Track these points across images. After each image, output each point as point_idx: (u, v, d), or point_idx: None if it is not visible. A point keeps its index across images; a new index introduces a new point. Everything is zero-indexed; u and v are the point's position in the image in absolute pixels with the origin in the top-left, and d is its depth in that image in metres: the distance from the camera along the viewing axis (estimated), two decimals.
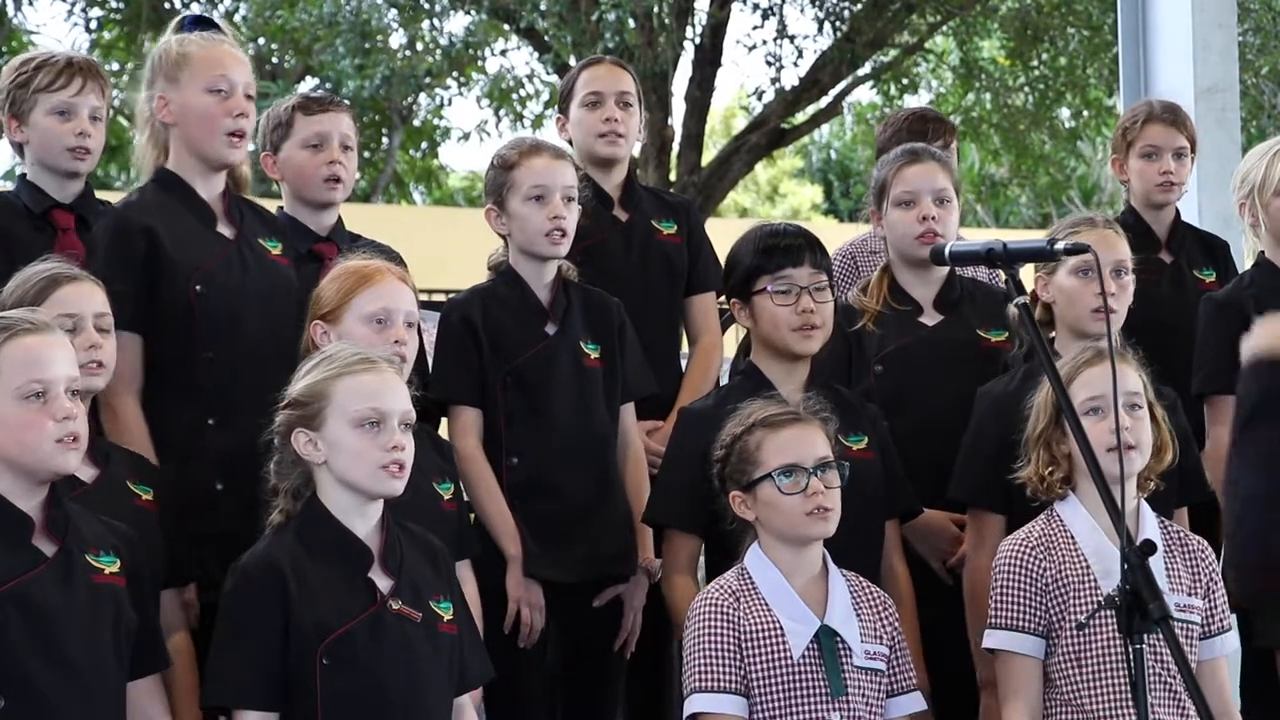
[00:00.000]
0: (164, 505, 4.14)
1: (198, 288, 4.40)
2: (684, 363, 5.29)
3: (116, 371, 4.17)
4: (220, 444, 4.34)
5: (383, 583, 3.79)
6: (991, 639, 4.24)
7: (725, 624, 4.12)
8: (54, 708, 3.51)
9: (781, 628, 4.11)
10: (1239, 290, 5.22)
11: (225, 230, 4.52)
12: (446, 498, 4.35)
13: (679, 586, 4.47)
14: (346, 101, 5.30)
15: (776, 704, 4.07)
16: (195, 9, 20.86)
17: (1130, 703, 4.08)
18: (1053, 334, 4.73)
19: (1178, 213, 5.61)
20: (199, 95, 4.48)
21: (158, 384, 4.39)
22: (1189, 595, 4.26)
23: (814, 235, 4.66)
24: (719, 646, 4.10)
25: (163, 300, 4.38)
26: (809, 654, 4.11)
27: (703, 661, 4.10)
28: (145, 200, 4.51)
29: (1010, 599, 4.22)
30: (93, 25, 20.64)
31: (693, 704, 4.10)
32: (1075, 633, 4.15)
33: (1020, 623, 4.21)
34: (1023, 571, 4.22)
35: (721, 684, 4.08)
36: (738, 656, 4.10)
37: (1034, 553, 4.24)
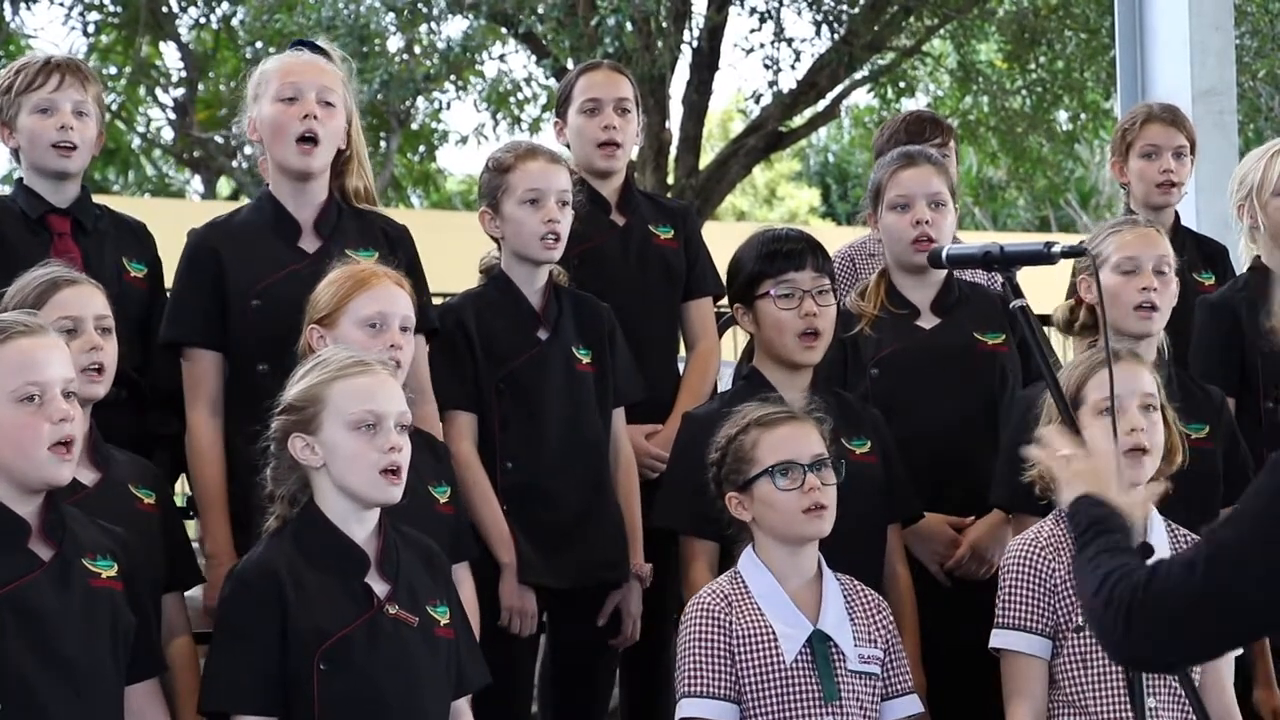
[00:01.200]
0: (165, 508, 4.13)
1: (254, 303, 4.43)
2: (681, 367, 5.29)
3: (192, 387, 4.27)
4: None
5: (380, 587, 3.80)
6: (998, 638, 4.23)
7: (717, 629, 4.11)
8: (51, 712, 3.50)
9: (774, 633, 4.11)
10: (1232, 293, 5.24)
11: (308, 244, 4.53)
12: (443, 501, 4.35)
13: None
14: None
15: (770, 710, 4.07)
16: (193, 13, 20.89)
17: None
18: (1096, 337, 4.74)
19: (1177, 216, 5.62)
20: (270, 105, 4.51)
21: (230, 403, 4.45)
22: None
23: (816, 239, 4.67)
24: (710, 652, 4.10)
25: (229, 318, 4.44)
26: (802, 659, 4.10)
27: (694, 666, 4.10)
28: (226, 222, 4.60)
29: (1018, 599, 4.22)
30: (90, 29, 20.65)
31: (683, 709, 4.10)
32: (1079, 634, 4.15)
33: (1028, 623, 4.20)
34: (1031, 571, 4.22)
35: (712, 690, 4.08)
36: (729, 662, 4.09)
37: (1043, 553, 4.23)
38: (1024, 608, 4.21)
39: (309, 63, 4.58)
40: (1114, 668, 4.13)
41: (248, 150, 19.75)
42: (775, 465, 4.16)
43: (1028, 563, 4.23)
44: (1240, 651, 4.38)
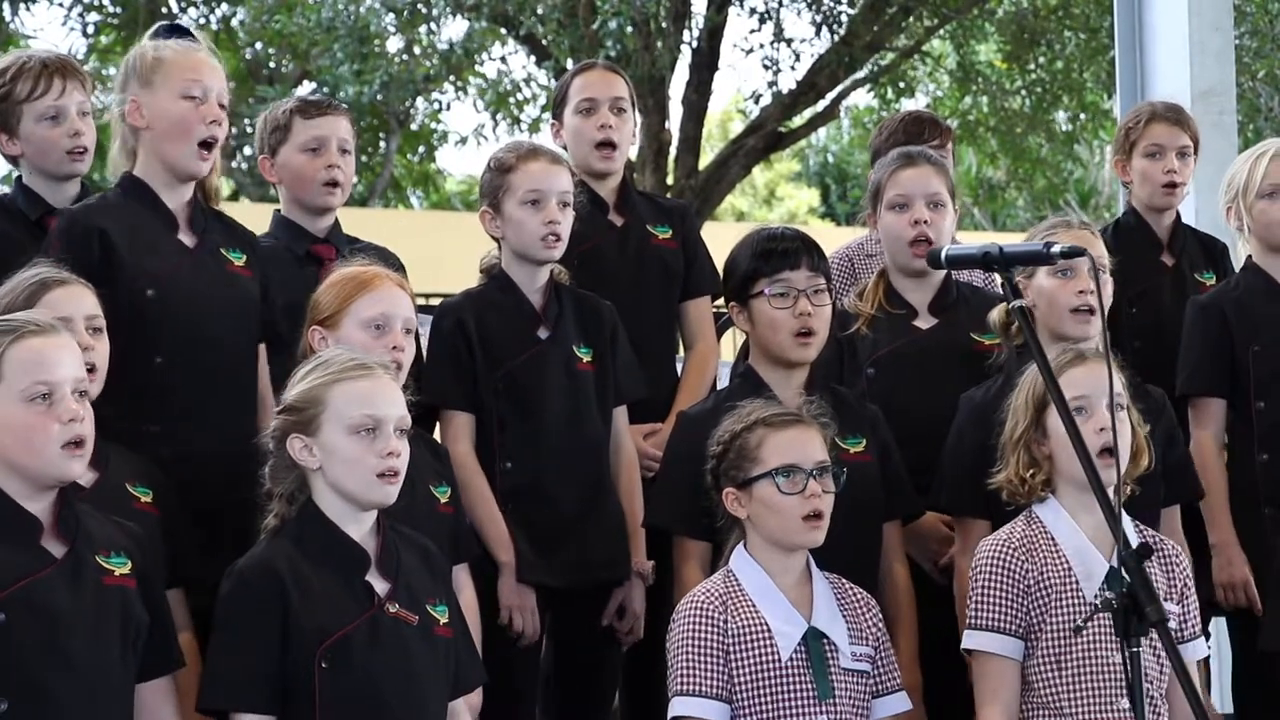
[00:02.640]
0: (164, 507, 4.13)
1: (149, 292, 4.36)
2: (679, 367, 5.29)
3: None
4: (161, 451, 4.27)
5: (379, 586, 3.80)
6: (970, 639, 4.23)
7: (710, 628, 4.11)
8: (60, 709, 3.51)
9: (769, 630, 4.11)
10: (1223, 293, 5.24)
11: (186, 239, 4.47)
12: (443, 501, 4.35)
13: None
14: (345, 105, 5.28)
15: (764, 707, 4.07)
16: (193, 14, 20.89)
17: (1109, 705, 4.09)
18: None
19: (1179, 215, 5.62)
20: (172, 100, 4.42)
21: (113, 385, 4.28)
22: (1164, 600, 4.25)
23: (812, 239, 4.67)
24: (703, 651, 4.10)
25: (114, 303, 4.27)
26: (797, 656, 4.10)
27: (686, 665, 4.10)
28: (104, 204, 4.46)
29: (990, 600, 4.21)
30: (90, 29, 20.65)
31: (675, 707, 4.10)
32: (1057, 635, 4.15)
33: (999, 624, 4.19)
34: (1003, 572, 4.21)
35: (704, 689, 4.08)
36: (722, 661, 4.09)
37: (1015, 554, 4.22)
38: (996, 609, 4.20)
39: (211, 63, 4.49)
40: (1088, 669, 4.13)
41: (247, 151, 19.79)
42: (779, 467, 4.16)
43: (999, 563, 4.22)
44: (1207, 654, 4.40)
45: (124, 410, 4.21)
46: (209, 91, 4.44)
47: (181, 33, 4.60)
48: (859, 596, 4.28)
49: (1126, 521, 4.26)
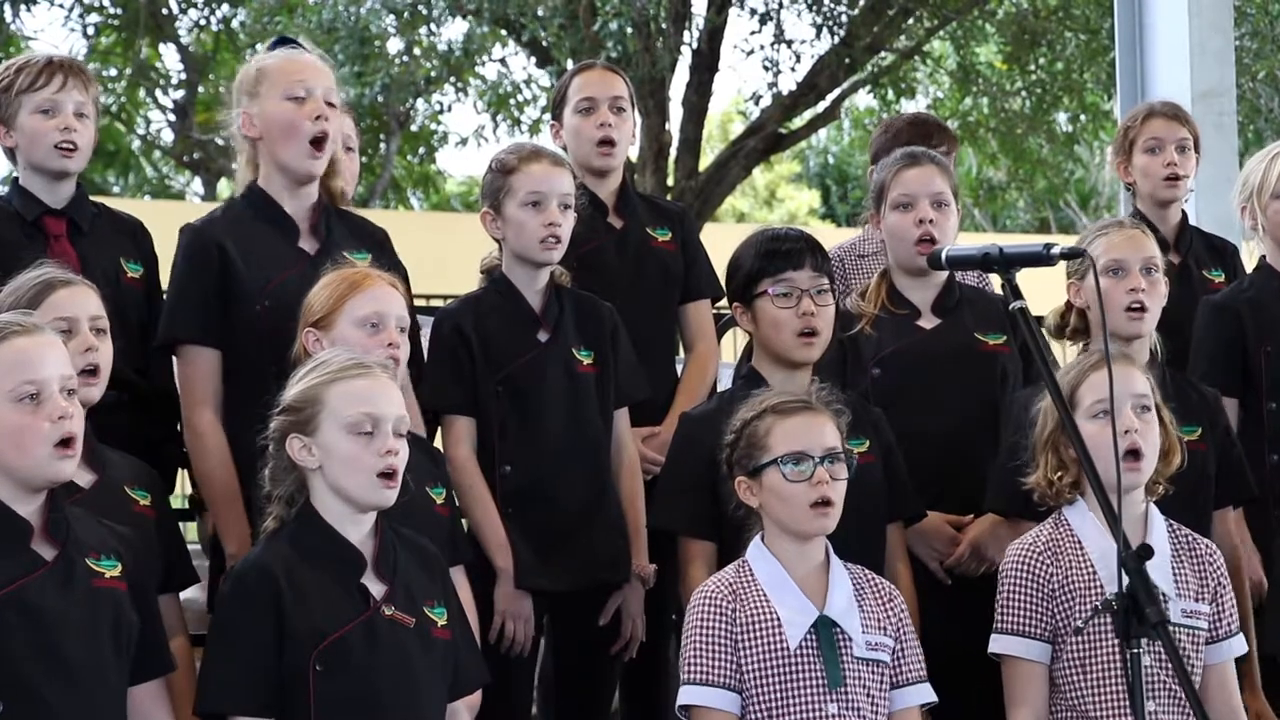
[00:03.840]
0: (161, 510, 4.13)
1: (266, 303, 4.41)
2: (679, 369, 5.28)
3: (193, 387, 4.17)
4: None
5: (376, 588, 3.79)
6: (997, 643, 4.23)
7: (720, 619, 4.10)
8: (53, 712, 3.49)
9: (779, 618, 4.09)
10: (1236, 293, 5.24)
11: (306, 245, 4.52)
12: (439, 502, 4.34)
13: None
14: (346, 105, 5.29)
15: (773, 694, 4.05)
16: (193, 16, 20.89)
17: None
18: (1087, 341, 4.77)
19: (1185, 215, 5.61)
20: (277, 104, 4.49)
21: (235, 400, 4.40)
22: (1196, 600, 4.25)
23: (815, 239, 4.66)
24: (713, 640, 4.09)
25: (235, 316, 4.40)
26: (807, 644, 4.08)
27: (695, 654, 4.09)
28: (224, 216, 4.56)
29: (1017, 603, 4.21)
30: (90, 31, 20.65)
31: (684, 695, 4.09)
32: (1079, 638, 4.15)
33: (1026, 627, 4.20)
34: (1029, 576, 4.22)
35: (713, 678, 4.07)
36: (732, 651, 4.08)
37: (1041, 558, 4.23)
38: (1023, 612, 4.20)
39: (313, 63, 4.57)
40: (1113, 671, 4.13)
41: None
42: (786, 454, 4.15)
43: (1026, 567, 4.23)
44: (1243, 652, 4.39)
45: (244, 424, 4.23)
46: (313, 90, 4.50)
47: (288, 44, 4.68)
48: (883, 588, 4.26)
49: (1158, 521, 4.27)
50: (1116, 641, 4.10)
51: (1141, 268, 4.70)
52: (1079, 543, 4.24)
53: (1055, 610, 4.20)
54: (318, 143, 4.49)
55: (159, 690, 3.79)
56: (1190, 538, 4.35)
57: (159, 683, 3.79)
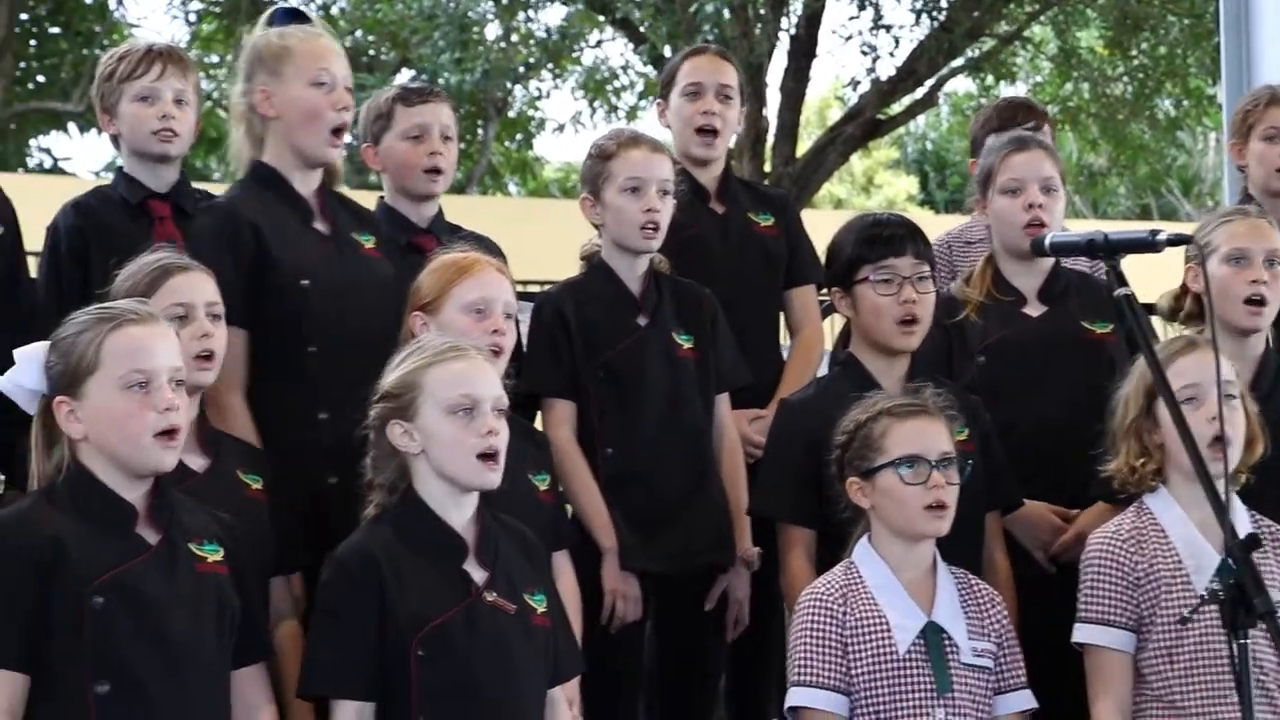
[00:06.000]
0: (272, 494, 4.15)
1: (304, 282, 4.40)
2: (784, 353, 5.27)
3: (224, 371, 4.18)
4: (332, 437, 4.26)
5: (478, 575, 3.80)
6: (1080, 633, 4.19)
7: (830, 620, 4.10)
8: (155, 695, 3.52)
9: (888, 623, 4.08)
10: None
11: (321, 226, 4.52)
12: (543, 489, 4.36)
13: (798, 579, 4.40)
14: (445, 92, 5.30)
15: (882, 700, 4.05)
16: (294, 0, 21.01)
17: (1223, 698, 4.03)
18: (1201, 327, 4.68)
19: None
20: (303, 89, 4.47)
21: (264, 380, 4.38)
22: None
23: (916, 225, 4.63)
24: (822, 642, 4.08)
25: (269, 296, 4.37)
26: (915, 650, 4.08)
27: (805, 656, 4.08)
28: (246, 196, 4.51)
29: (1101, 592, 4.17)
30: (192, 18, 20.83)
31: (793, 696, 4.09)
32: (1168, 628, 4.10)
33: (1111, 616, 4.16)
34: (1114, 565, 4.18)
35: (822, 679, 4.06)
36: (841, 654, 4.08)
37: (1126, 546, 4.19)
38: (1107, 601, 4.16)
39: (335, 48, 4.55)
40: (1202, 661, 4.08)
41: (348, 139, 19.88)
42: (902, 457, 4.14)
43: (1110, 555, 4.19)
44: None
45: (290, 401, 4.28)
46: (337, 78, 4.49)
47: (298, 17, 4.64)
48: (984, 592, 4.24)
49: (1240, 511, 4.22)
50: (1204, 631, 4.06)
51: (1265, 259, 4.62)
52: (1163, 531, 4.19)
53: (1140, 599, 4.15)
54: (338, 132, 4.49)
55: (259, 674, 3.80)
56: (1273, 528, 4.26)
57: (259, 667, 3.80)
